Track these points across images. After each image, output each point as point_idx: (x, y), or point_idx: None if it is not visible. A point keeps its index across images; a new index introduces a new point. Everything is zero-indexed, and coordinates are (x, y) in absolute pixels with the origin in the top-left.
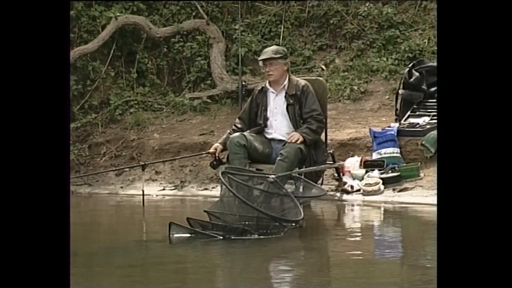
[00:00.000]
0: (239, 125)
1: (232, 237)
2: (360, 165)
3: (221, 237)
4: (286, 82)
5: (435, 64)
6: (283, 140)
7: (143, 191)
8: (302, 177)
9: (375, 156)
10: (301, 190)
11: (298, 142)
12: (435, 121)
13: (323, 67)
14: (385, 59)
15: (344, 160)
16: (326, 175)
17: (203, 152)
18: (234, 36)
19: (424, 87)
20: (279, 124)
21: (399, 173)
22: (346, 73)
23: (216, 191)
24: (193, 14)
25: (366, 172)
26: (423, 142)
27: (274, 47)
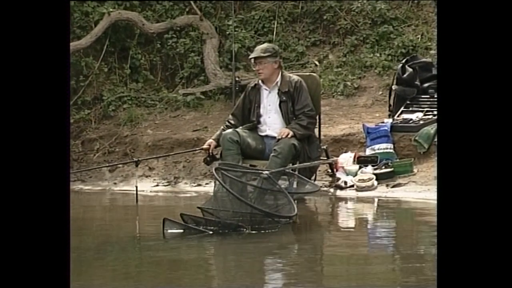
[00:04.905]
0: (232, 122)
1: (226, 231)
2: (354, 160)
3: (211, 232)
4: (278, 79)
5: (428, 60)
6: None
7: (136, 187)
8: (296, 173)
9: (368, 151)
10: (294, 186)
11: (289, 136)
12: (428, 116)
13: (317, 62)
14: (378, 54)
15: (337, 156)
16: (319, 171)
17: (197, 148)
18: (227, 32)
19: (417, 82)
20: (272, 121)
21: (392, 169)
22: (340, 69)
23: (209, 187)
24: (186, 10)
25: (360, 167)
26: (417, 138)
27: (264, 45)
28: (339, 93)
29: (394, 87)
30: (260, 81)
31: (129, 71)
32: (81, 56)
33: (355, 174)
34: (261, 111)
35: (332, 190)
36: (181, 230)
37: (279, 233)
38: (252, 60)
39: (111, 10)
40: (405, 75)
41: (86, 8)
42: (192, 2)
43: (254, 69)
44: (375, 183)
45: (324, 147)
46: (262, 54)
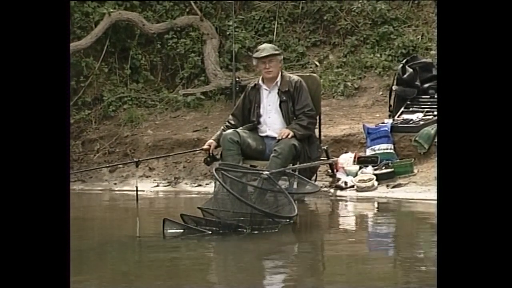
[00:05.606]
0: (232, 122)
1: (226, 232)
2: (354, 161)
3: (211, 232)
4: (279, 79)
5: (428, 60)
6: None
7: (136, 187)
8: (296, 173)
9: (368, 152)
10: (295, 186)
11: (289, 137)
12: (429, 117)
13: (317, 63)
14: (378, 55)
15: (338, 156)
16: (320, 171)
17: (197, 149)
18: (227, 33)
19: (417, 83)
20: (273, 121)
21: (392, 169)
22: (340, 69)
23: (209, 188)
24: (187, 10)
25: (360, 168)
26: (417, 138)
27: (269, 44)
28: (339, 94)
29: (394, 87)
30: (260, 81)
31: (130, 72)
32: (81, 56)
33: (356, 175)
34: (261, 111)
35: (332, 190)
36: (181, 230)
37: (279, 233)
38: (255, 61)
39: (111, 10)
40: (405, 76)
41: (86, 9)
42: (192, 3)
43: (259, 68)
44: (376, 183)
45: (325, 147)
46: (274, 52)
